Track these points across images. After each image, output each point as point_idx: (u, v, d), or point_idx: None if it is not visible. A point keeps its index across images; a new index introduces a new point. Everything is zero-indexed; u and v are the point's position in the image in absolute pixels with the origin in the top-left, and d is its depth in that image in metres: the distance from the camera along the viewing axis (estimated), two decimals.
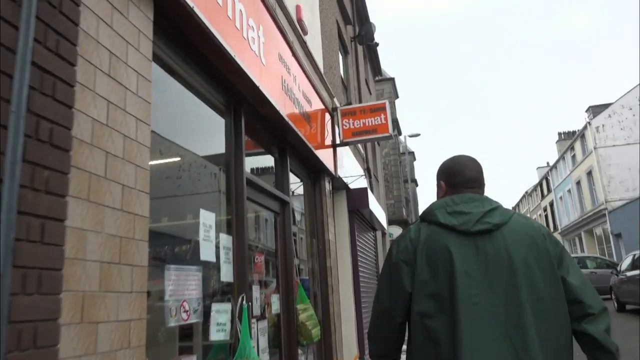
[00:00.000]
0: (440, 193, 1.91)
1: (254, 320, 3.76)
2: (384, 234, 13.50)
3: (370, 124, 6.59)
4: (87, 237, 1.85)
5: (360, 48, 12.46)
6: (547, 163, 46.63)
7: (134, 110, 2.26)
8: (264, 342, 3.97)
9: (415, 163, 44.01)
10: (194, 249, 3.11)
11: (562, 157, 36.23)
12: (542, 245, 1.70)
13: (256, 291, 3.98)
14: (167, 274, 2.68)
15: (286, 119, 4.54)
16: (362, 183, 8.64)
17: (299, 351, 4.92)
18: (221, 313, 3.28)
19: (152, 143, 2.40)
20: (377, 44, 11.64)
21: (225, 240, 3.50)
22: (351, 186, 7.82)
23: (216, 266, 3.37)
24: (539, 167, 49.64)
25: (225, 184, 3.79)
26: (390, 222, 19.91)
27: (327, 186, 6.72)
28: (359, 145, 10.35)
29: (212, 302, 3.20)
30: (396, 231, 23.10)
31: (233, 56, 3.29)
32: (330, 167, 6.61)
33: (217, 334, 3.21)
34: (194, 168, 3.45)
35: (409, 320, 1.72)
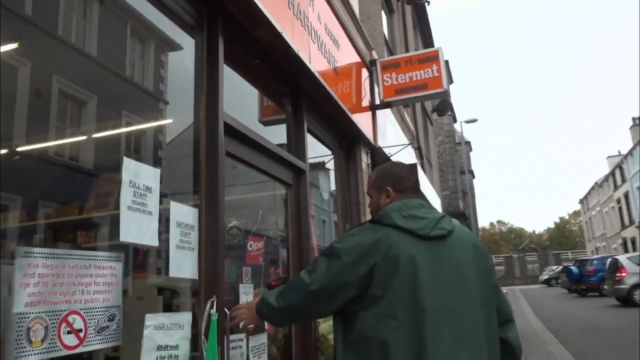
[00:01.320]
0: (387, 199, 1.87)
1: (238, 337, 2.49)
2: None
3: (419, 77, 5.16)
4: None
5: (409, 13, 10.94)
6: (619, 151, 43.30)
7: None
8: None
9: (471, 154, 41.72)
10: (107, 224, 1.89)
11: (638, 143, 32.89)
12: (484, 254, 1.82)
13: (246, 293, 2.69)
14: (20, 264, 1.43)
15: (296, 50, 3.22)
16: (410, 159, 7.18)
17: None
18: (169, 330, 2.01)
19: None
20: (427, 2, 10.11)
21: (184, 213, 2.22)
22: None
23: (160, 254, 2.13)
24: (609, 156, 46.06)
25: (192, 130, 2.53)
26: None
27: (365, 158, 5.35)
28: (407, 119, 8.87)
29: (148, 314, 1.94)
30: None
31: None
32: (368, 134, 5.24)
33: None
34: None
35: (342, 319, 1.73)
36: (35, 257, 1.47)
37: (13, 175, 2.11)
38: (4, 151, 2.12)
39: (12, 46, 2.04)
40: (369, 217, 4.90)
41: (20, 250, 1.43)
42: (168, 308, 2.36)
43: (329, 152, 5.04)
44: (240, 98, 3.51)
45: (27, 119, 2.42)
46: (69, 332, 1.55)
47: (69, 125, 2.80)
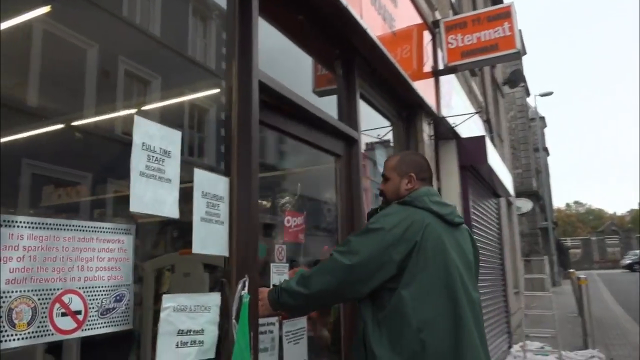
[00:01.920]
0: (408, 184, 1.97)
1: (269, 321, 2.23)
2: (509, 204, 11.16)
3: (488, 38, 4.61)
4: None
5: None
6: None
7: None
8: (296, 355, 2.41)
9: (545, 130, 39.24)
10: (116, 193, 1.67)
11: None
12: (475, 243, 2.02)
13: (279, 273, 2.41)
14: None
15: (345, 4, 2.86)
16: (478, 131, 6.62)
17: None
18: (192, 313, 1.78)
19: None
20: None
21: (211, 182, 1.97)
22: (464, 135, 5.88)
23: (180, 226, 1.90)
24: None
25: (225, 93, 2.26)
26: (517, 195, 17.18)
27: (427, 130, 4.91)
28: (476, 89, 8.23)
29: (165, 295, 1.71)
30: (525, 204, 20.11)
31: None
32: (431, 103, 4.79)
33: (181, 351, 1.72)
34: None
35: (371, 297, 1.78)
36: (18, 226, 1.25)
37: (83, 153, 2.20)
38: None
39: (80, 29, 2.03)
40: None
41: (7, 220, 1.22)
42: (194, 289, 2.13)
43: (387, 124, 4.66)
44: (291, 66, 3.25)
45: (95, 100, 2.44)
46: (63, 314, 1.33)
47: (135, 105, 2.76)
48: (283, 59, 3.09)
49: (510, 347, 8.06)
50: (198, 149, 2.72)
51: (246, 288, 1.95)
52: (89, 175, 2.30)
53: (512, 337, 8.45)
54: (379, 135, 4.67)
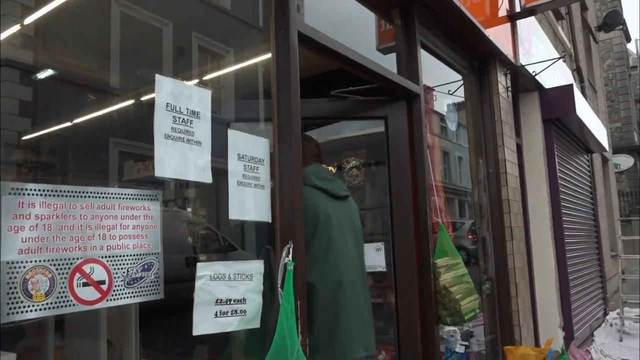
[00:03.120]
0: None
1: None
2: (605, 160, 10.17)
3: None
4: None
5: None
6: None
7: None
8: None
9: None
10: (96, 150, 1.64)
11: None
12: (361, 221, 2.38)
13: None
14: (7, 203, 1.17)
15: None
16: (564, 79, 5.97)
17: (445, 330, 3.12)
18: (231, 282, 1.69)
19: None
20: None
21: (248, 144, 1.84)
22: (547, 85, 5.32)
23: (213, 190, 1.81)
24: None
25: (273, 46, 2.10)
26: (616, 150, 15.71)
27: (503, 81, 4.47)
28: (562, 35, 7.43)
29: (200, 263, 1.62)
30: (625, 161, 18.35)
31: None
32: (507, 50, 4.33)
33: (221, 321, 1.64)
34: None
35: None
36: (28, 194, 1.20)
37: None
38: None
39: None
40: (506, 150, 4.11)
41: (7, 187, 1.17)
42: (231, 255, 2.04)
43: (458, 77, 4.29)
44: (353, 21, 3.04)
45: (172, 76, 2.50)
46: (85, 284, 1.28)
47: (209, 81, 2.76)
48: (347, 19, 2.92)
49: (606, 314, 7.45)
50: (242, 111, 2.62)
51: (290, 255, 1.84)
52: None
53: (608, 303, 7.81)
54: (449, 90, 4.33)
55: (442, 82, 4.12)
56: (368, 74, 2.65)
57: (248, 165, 1.83)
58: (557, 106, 5.29)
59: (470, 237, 5.14)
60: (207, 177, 1.65)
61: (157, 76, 1.54)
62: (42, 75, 2.79)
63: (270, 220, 1.90)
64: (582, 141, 7.17)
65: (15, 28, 2.18)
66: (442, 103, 3.97)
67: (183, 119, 1.59)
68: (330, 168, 4.40)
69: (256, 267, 1.80)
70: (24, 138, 3.40)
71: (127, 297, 1.38)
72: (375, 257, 2.99)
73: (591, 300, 6.74)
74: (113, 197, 1.38)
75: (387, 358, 3.29)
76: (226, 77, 2.71)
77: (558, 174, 5.50)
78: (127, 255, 1.40)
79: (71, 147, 2.56)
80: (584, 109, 5.89)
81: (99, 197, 1.35)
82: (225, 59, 2.85)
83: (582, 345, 5.65)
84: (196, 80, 2.85)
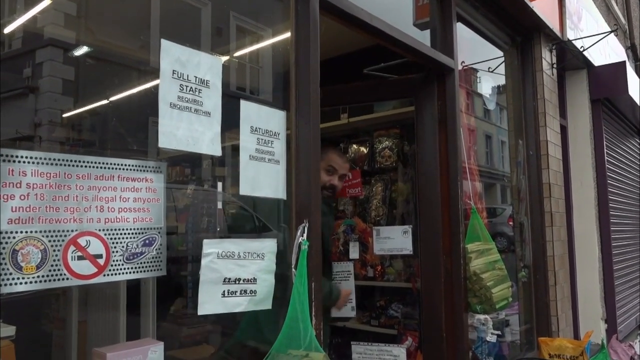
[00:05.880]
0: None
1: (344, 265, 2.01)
2: None
3: None
4: None
5: None
6: None
7: None
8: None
9: None
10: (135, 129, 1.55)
11: None
12: None
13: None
14: None
15: None
16: (616, 57, 5.57)
17: (474, 318, 2.97)
18: (240, 260, 1.62)
19: None
20: None
21: (262, 116, 1.75)
22: (597, 63, 4.97)
23: (219, 162, 1.74)
24: None
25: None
26: None
27: (548, 57, 4.19)
28: (616, 9, 6.95)
29: (206, 239, 1.55)
30: None
31: None
32: (553, 24, 4.05)
33: (229, 301, 1.57)
34: None
35: None
36: (19, 161, 1.14)
37: None
38: None
39: None
40: (548, 131, 3.86)
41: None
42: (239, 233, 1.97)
43: (499, 54, 4.05)
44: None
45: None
46: (80, 258, 1.22)
47: (248, 61, 2.75)
48: None
49: None
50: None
51: (305, 234, 1.74)
52: None
53: None
54: (489, 68, 4.09)
55: (481, 59, 3.89)
56: (398, 46, 2.49)
57: (262, 139, 1.73)
58: (607, 85, 4.94)
59: (510, 223, 4.92)
60: (216, 150, 1.56)
61: (163, 41, 1.46)
62: (84, 54, 2.79)
63: (285, 197, 1.80)
64: (633, 123, 6.72)
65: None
66: (483, 83, 3.75)
67: (191, 87, 1.51)
68: (362, 149, 4.26)
69: (269, 245, 1.71)
70: (64, 115, 3.43)
71: (126, 273, 1.32)
72: (402, 239, 2.86)
73: (638, 292, 6.38)
74: (112, 168, 1.31)
75: (414, 344, 3.17)
76: (262, 54, 2.65)
77: (606, 157, 5.17)
78: (127, 229, 1.33)
79: (110, 126, 2.58)
80: (637, 89, 5.49)
81: (97, 167, 1.28)
82: (257, 36, 2.78)
83: (626, 338, 5.36)
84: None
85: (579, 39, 4.34)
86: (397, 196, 3.81)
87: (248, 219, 2.10)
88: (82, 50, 2.90)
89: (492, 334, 3.23)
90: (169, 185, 1.50)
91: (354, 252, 3.21)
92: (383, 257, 3.53)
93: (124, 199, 1.33)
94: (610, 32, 4.49)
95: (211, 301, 1.52)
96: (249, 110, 1.70)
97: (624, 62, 5.02)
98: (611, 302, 4.92)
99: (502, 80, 4.03)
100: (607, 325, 4.83)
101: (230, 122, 1.65)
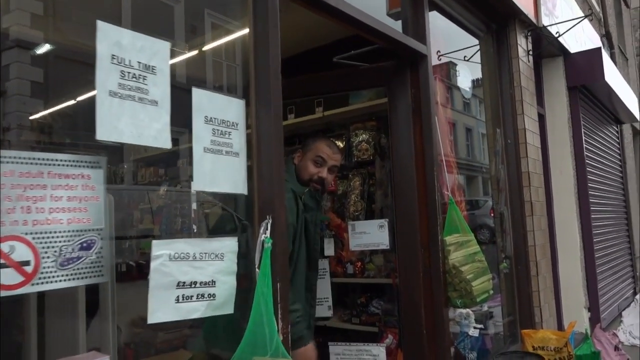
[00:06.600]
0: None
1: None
2: (636, 132, 9.64)
3: None
4: None
5: None
6: None
7: None
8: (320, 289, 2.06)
9: None
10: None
11: None
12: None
13: None
14: None
15: None
16: (590, 43, 5.54)
17: (456, 312, 2.88)
18: (196, 262, 1.48)
19: None
20: None
21: (218, 105, 1.61)
22: (572, 50, 4.93)
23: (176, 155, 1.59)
24: None
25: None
26: None
27: (524, 43, 4.12)
28: None
29: (155, 240, 1.41)
30: None
31: None
32: (528, 9, 3.97)
33: (184, 307, 1.44)
34: None
35: None
36: None
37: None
38: None
39: None
40: (526, 119, 3.79)
41: None
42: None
43: (474, 42, 3.96)
44: None
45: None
46: (3, 265, 1.08)
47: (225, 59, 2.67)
48: None
49: (635, 293, 7.09)
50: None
51: (268, 231, 1.62)
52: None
53: (638, 282, 7.43)
54: (465, 56, 4.01)
55: (457, 49, 3.80)
56: (368, 32, 2.38)
57: (218, 130, 1.60)
58: (583, 72, 4.90)
59: (492, 215, 4.84)
60: (165, 142, 1.42)
61: (99, 22, 1.31)
62: (53, 55, 2.64)
63: (246, 192, 1.67)
64: (610, 111, 6.73)
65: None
66: (460, 74, 3.66)
67: (134, 74, 1.37)
68: (339, 143, 4.14)
69: (228, 245, 1.58)
70: (31, 118, 3.24)
71: (60, 280, 1.18)
72: (378, 234, 2.75)
73: (620, 279, 6.39)
74: (40, 163, 1.17)
75: (394, 342, 3.07)
76: (225, 47, 2.54)
77: (584, 145, 5.14)
78: (60, 232, 1.19)
79: (82, 127, 2.43)
80: (613, 75, 5.47)
81: (22, 163, 1.14)
82: (221, 29, 2.66)
83: (609, 326, 5.35)
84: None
85: (554, 24, 4.28)
86: (375, 190, 3.71)
87: (228, 219, 1.95)
88: (51, 51, 2.75)
89: (474, 328, 3.15)
90: (144, 186, 1.37)
91: (329, 249, 3.10)
92: (363, 252, 3.42)
93: (56, 198, 1.19)
94: (585, 17, 4.44)
95: (163, 308, 1.39)
96: (201, 99, 1.57)
97: (599, 49, 4.99)
98: (594, 290, 4.89)
99: (478, 69, 3.95)
100: (591, 314, 4.80)
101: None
